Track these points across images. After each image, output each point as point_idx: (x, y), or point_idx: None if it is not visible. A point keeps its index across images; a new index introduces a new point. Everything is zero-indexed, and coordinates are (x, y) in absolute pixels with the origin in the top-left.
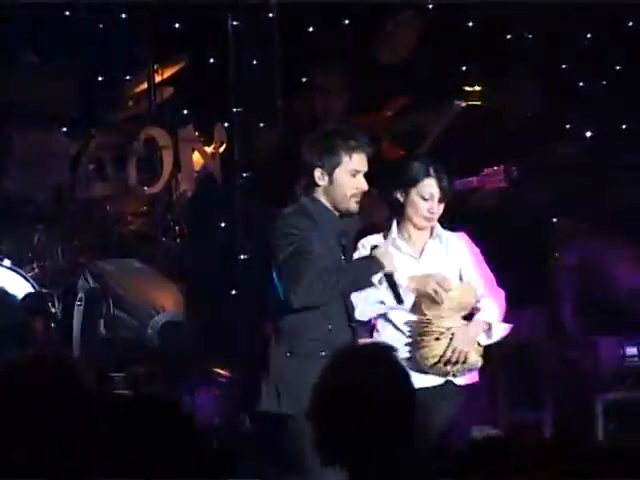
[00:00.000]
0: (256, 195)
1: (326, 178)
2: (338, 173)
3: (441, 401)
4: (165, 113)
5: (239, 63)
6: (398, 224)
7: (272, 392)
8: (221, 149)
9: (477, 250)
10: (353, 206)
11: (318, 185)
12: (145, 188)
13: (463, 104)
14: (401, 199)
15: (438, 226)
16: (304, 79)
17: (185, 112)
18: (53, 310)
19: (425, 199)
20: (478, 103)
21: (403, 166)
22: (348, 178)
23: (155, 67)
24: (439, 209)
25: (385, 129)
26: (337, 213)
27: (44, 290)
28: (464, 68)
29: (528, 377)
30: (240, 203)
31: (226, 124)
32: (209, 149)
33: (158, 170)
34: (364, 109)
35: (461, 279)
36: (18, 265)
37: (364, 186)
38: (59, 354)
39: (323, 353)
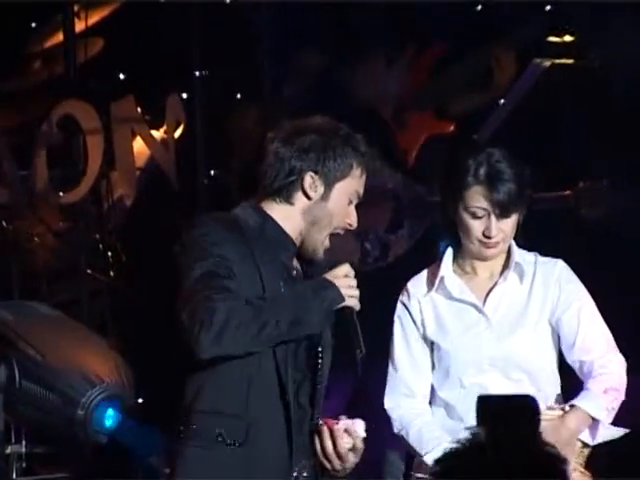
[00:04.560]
0: (228, 202)
1: (320, 191)
2: (338, 187)
3: None
4: (91, 79)
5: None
6: (455, 254)
7: None
8: (177, 133)
9: (584, 290)
10: (322, 249)
11: (308, 197)
12: (60, 194)
13: (546, 63)
14: (451, 214)
15: (517, 252)
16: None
17: (122, 77)
18: None
19: (477, 217)
20: (570, 62)
21: (447, 163)
22: (345, 199)
23: (76, 8)
24: (504, 230)
25: (420, 100)
26: (293, 244)
27: None
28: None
29: None
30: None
31: (184, 95)
32: (158, 134)
33: (80, 166)
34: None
35: (560, 340)
36: None
37: (355, 223)
38: None
39: (228, 441)
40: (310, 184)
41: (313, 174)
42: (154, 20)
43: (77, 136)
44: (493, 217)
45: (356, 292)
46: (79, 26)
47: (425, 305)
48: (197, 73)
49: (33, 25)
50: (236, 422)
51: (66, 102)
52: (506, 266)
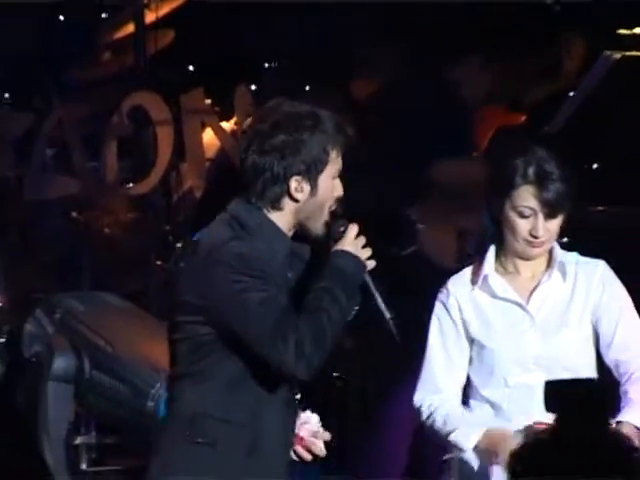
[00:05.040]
0: None
1: (307, 190)
2: (323, 179)
3: None
4: (161, 70)
5: None
6: (497, 252)
7: None
8: (246, 124)
9: (625, 291)
10: (324, 229)
11: (296, 201)
12: (130, 185)
13: (617, 55)
14: (496, 212)
15: (559, 252)
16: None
17: (191, 69)
18: None
19: (524, 216)
20: None
21: (494, 162)
22: (330, 183)
23: (146, 0)
24: (550, 230)
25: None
26: (290, 235)
27: None
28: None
29: None
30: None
31: (253, 87)
32: (228, 125)
33: (150, 158)
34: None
35: (598, 339)
36: None
37: (341, 192)
38: None
39: (235, 450)
40: (296, 187)
41: (297, 177)
42: (223, 12)
43: (147, 127)
44: (541, 216)
45: (369, 252)
46: (149, 17)
47: (466, 304)
48: (266, 65)
49: (104, 16)
50: (243, 431)
51: (136, 93)
52: (549, 265)
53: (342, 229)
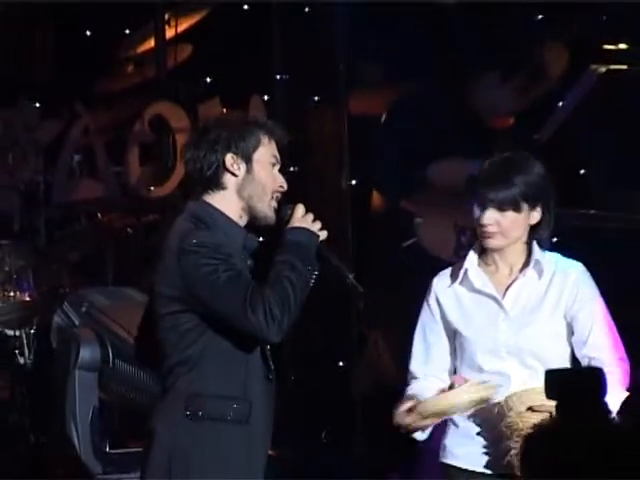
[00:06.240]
0: (305, 194)
1: (243, 167)
2: (257, 158)
3: None
4: (180, 82)
5: (286, 9)
6: (481, 248)
7: (161, 470)
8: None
9: (598, 294)
10: (271, 212)
11: (235, 175)
12: (151, 188)
13: (602, 69)
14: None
15: (537, 251)
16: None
17: (208, 80)
18: (21, 360)
19: (478, 206)
20: (624, 68)
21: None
22: (269, 167)
23: (167, 17)
24: (501, 223)
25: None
26: (243, 224)
27: (8, 331)
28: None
29: None
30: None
31: (266, 97)
32: None
33: (169, 163)
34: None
35: (572, 335)
36: None
37: (285, 183)
38: None
39: (231, 414)
40: (232, 163)
41: (231, 154)
42: (238, 27)
43: (167, 135)
44: (490, 208)
45: (319, 224)
46: (169, 33)
47: (446, 298)
48: (277, 77)
49: (127, 32)
50: (240, 403)
51: (157, 103)
52: (526, 263)
53: (289, 212)
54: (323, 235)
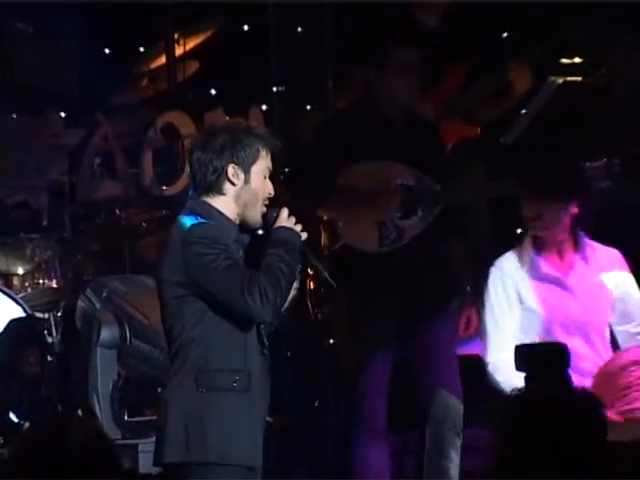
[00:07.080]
0: (299, 195)
1: (242, 177)
2: (254, 170)
3: None
4: (188, 94)
5: (281, 30)
6: (534, 237)
7: (178, 438)
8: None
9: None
10: (260, 218)
11: (234, 184)
12: (164, 188)
13: (559, 80)
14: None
15: (583, 237)
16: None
17: (213, 92)
18: (50, 340)
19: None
20: (579, 79)
21: None
22: (262, 179)
23: (176, 36)
24: (545, 217)
25: (449, 110)
26: (237, 224)
27: (38, 314)
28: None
29: None
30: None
31: (264, 107)
32: None
33: (179, 165)
34: (432, 85)
35: (619, 316)
36: (6, 284)
37: (272, 190)
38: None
39: (235, 384)
40: (233, 173)
41: (233, 165)
42: (239, 45)
43: (177, 140)
44: (528, 202)
45: (300, 226)
46: (178, 51)
47: (517, 278)
48: (274, 88)
49: (141, 50)
50: (242, 375)
51: (168, 113)
52: (576, 249)
53: (275, 214)
54: (304, 236)
